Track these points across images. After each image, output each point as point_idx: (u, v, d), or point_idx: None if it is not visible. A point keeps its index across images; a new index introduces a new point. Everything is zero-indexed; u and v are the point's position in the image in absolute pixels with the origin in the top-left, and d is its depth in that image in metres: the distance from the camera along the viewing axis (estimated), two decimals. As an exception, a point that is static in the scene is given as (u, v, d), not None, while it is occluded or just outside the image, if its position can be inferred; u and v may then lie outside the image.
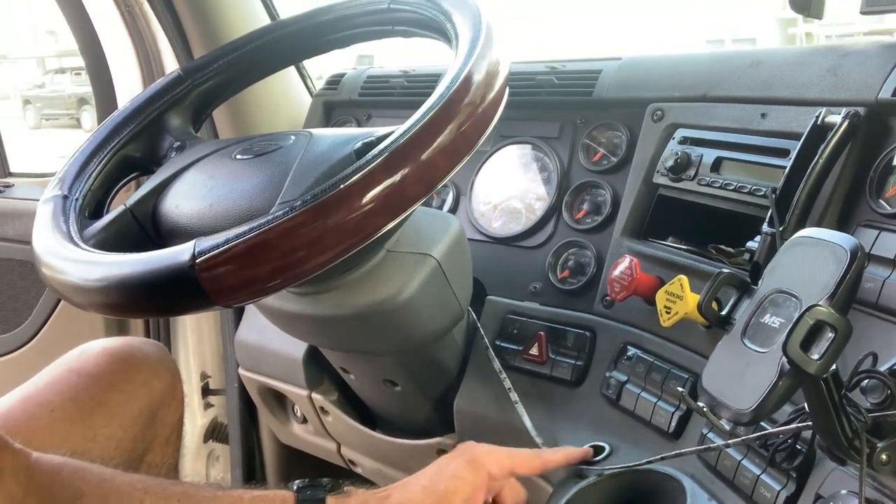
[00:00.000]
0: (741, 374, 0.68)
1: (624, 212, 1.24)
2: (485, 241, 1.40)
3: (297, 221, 0.80)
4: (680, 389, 0.82)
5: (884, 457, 0.68)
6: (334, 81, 1.73)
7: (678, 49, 1.53)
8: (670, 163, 1.16)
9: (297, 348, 1.48)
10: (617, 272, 1.11)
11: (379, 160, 0.85)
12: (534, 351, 1.26)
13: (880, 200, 0.87)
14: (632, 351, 1.14)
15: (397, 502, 0.87)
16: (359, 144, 1.02)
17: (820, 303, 0.62)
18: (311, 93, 1.82)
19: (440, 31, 1.06)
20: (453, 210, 1.46)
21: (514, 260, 1.37)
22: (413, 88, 1.59)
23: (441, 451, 1.37)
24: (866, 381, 0.70)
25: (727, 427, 0.70)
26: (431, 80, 1.54)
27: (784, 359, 0.62)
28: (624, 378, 1.13)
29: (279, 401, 1.68)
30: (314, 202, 0.81)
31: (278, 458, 1.83)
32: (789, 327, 0.62)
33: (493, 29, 0.97)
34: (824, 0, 1.10)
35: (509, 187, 1.42)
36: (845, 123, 0.91)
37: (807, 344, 0.61)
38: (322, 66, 1.81)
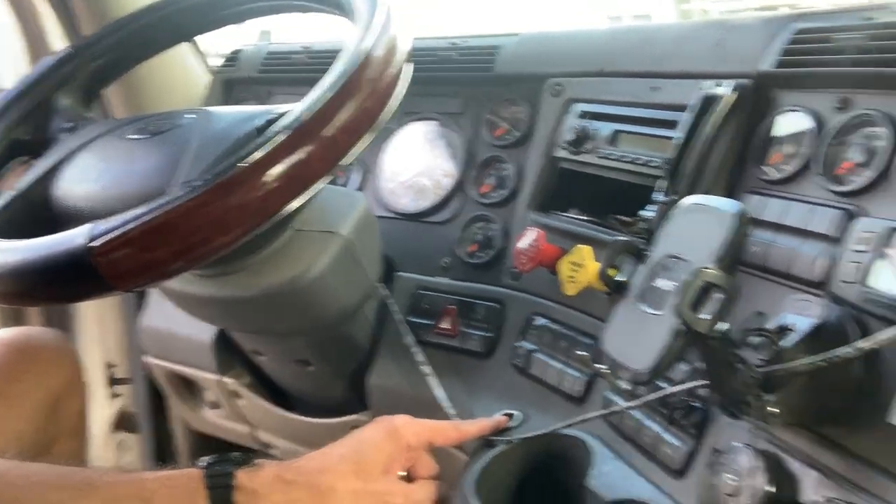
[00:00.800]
0: (638, 336, 0.71)
1: (528, 185, 1.26)
2: (393, 218, 1.41)
3: (200, 201, 0.79)
4: (583, 353, 0.85)
5: (773, 409, 0.72)
6: (233, 58, 1.69)
7: (579, 25, 1.56)
8: (570, 136, 1.19)
9: (205, 332, 1.45)
10: (522, 244, 1.13)
11: (282, 137, 0.84)
12: (445, 325, 1.28)
13: (763, 168, 0.92)
14: (539, 320, 1.17)
15: (313, 469, 0.84)
16: (260, 121, 1.01)
17: (708, 265, 0.65)
18: (209, 70, 1.77)
19: (337, 5, 1.05)
20: (361, 188, 1.46)
21: (422, 236, 1.38)
22: (315, 64, 1.57)
23: (356, 428, 1.38)
24: (755, 338, 0.74)
25: (627, 387, 0.73)
26: (333, 55, 1.51)
27: (677, 319, 0.65)
28: (532, 347, 1.16)
29: (189, 387, 1.65)
30: (216, 181, 0.80)
31: (191, 446, 1.80)
32: (681, 289, 0.65)
33: (391, 4, 0.97)
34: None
35: (416, 164, 1.42)
36: (733, 95, 0.95)
37: (697, 305, 0.65)
38: (219, 42, 1.76)
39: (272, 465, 0.84)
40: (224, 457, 0.83)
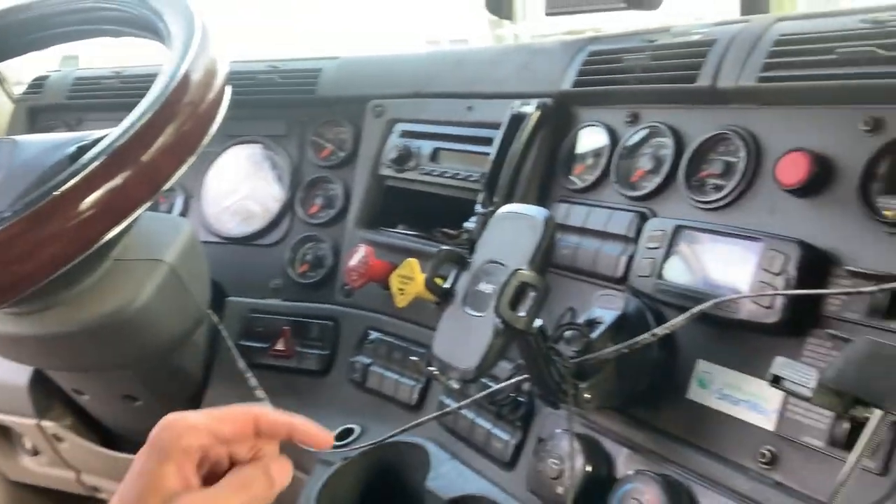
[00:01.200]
0: (465, 337, 0.75)
1: (355, 204, 1.30)
2: (220, 243, 1.39)
3: (11, 233, 0.76)
4: (415, 359, 0.88)
5: (587, 395, 0.79)
6: (38, 85, 1.61)
7: (400, 49, 1.62)
8: (393, 155, 1.24)
9: (19, 374, 1.36)
10: (353, 262, 1.16)
11: (96, 163, 0.82)
12: (280, 346, 1.28)
13: (570, 178, 1.00)
14: (373, 334, 1.20)
15: None
16: (73, 148, 0.98)
17: (523, 267, 0.71)
18: (10, 98, 1.66)
19: (152, 29, 1.04)
20: (183, 213, 1.43)
21: (252, 259, 1.37)
22: (127, 89, 1.52)
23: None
24: (568, 332, 0.81)
25: (457, 386, 0.77)
26: (147, 80, 1.46)
27: (497, 319, 0.70)
28: (368, 361, 1.18)
29: (4, 434, 1.53)
30: (27, 211, 0.77)
31: (10, 499, 1.67)
32: (499, 291, 0.70)
33: (208, 28, 0.97)
34: (513, 4, 1.24)
35: (241, 187, 1.41)
36: (537, 112, 1.03)
37: (515, 304, 0.70)
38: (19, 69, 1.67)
39: None
40: None
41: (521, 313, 0.70)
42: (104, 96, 1.54)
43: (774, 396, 0.70)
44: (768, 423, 0.70)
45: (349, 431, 1.14)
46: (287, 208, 1.37)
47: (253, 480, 0.65)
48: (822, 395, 0.55)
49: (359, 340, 1.22)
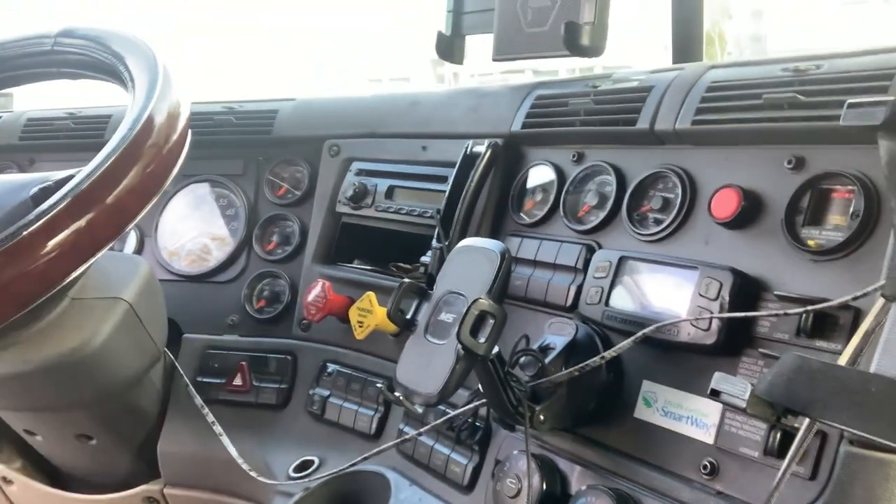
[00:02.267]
0: (427, 364, 0.79)
1: (312, 240, 1.33)
2: (176, 281, 1.41)
3: None
4: (379, 385, 0.92)
5: (542, 417, 0.84)
6: (-12, 125, 1.61)
7: (345, 90, 1.67)
8: (349, 193, 1.28)
9: (-34, 417, 1.34)
10: (311, 296, 1.20)
11: (63, 204, 0.84)
12: (237, 381, 1.30)
13: (521, 214, 1.06)
14: (331, 367, 1.23)
15: None
16: (35, 190, 0.99)
17: (481, 297, 0.76)
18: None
19: (112, 73, 1.07)
20: (138, 252, 1.44)
21: (208, 296, 1.39)
22: (81, 131, 1.54)
23: (148, 499, 1.34)
24: (523, 358, 0.86)
25: (420, 410, 0.81)
26: (101, 121, 1.52)
27: (458, 345, 0.75)
28: (326, 393, 1.21)
29: (-51, 479, 1.50)
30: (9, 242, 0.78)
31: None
32: (460, 319, 0.75)
33: (170, 71, 1.01)
34: (464, 49, 1.31)
35: (197, 225, 1.44)
36: (488, 152, 1.09)
37: (475, 331, 0.75)
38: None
39: None
40: None
41: (482, 340, 0.75)
42: (57, 137, 1.56)
43: (714, 412, 0.76)
44: (708, 436, 0.76)
45: (309, 463, 1.16)
46: (244, 245, 1.40)
47: None
48: (755, 406, 0.61)
49: (317, 373, 1.25)
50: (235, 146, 1.44)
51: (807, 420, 0.64)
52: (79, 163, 1.10)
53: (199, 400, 1.25)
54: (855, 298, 0.66)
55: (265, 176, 1.42)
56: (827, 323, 0.70)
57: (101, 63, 1.08)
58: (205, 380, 1.31)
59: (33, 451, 1.40)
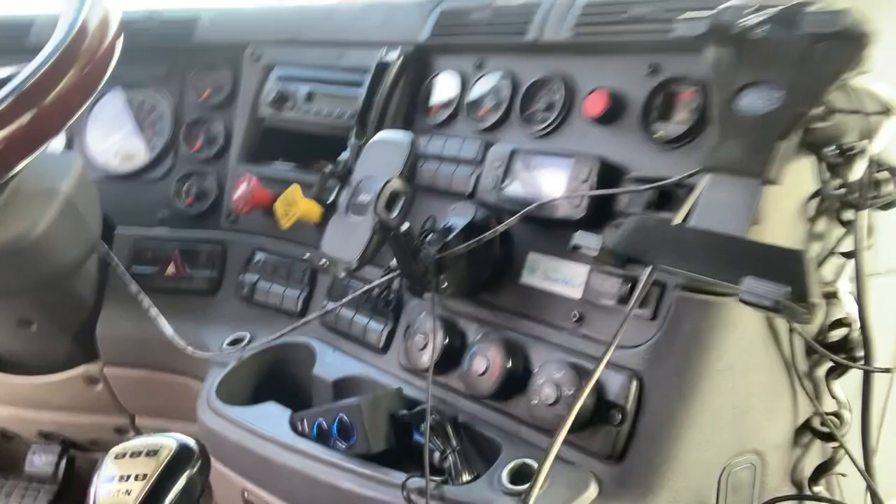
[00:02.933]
0: (348, 237, 0.94)
1: (237, 141, 1.44)
2: (106, 179, 1.49)
3: None
4: (307, 256, 1.04)
5: (445, 283, 1.00)
6: None
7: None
8: (271, 97, 1.39)
9: None
10: (240, 191, 1.31)
11: (9, 101, 0.93)
12: (171, 270, 1.41)
13: (429, 115, 1.20)
14: (259, 255, 1.36)
15: None
16: (-21, 88, 1.06)
17: (393, 178, 0.90)
18: None
19: None
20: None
21: (138, 193, 1.49)
22: (3, 36, 1.57)
23: (88, 378, 1.46)
24: (430, 235, 1.01)
25: (343, 274, 0.96)
26: (23, 26, 1.55)
27: (375, 219, 0.89)
28: (255, 278, 1.35)
29: None
30: None
31: None
32: (376, 197, 0.89)
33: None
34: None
35: (124, 126, 1.52)
36: (399, 59, 1.22)
37: (389, 206, 0.89)
38: None
39: None
40: None
41: (394, 214, 0.90)
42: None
43: (582, 273, 0.94)
44: (577, 293, 0.94)
45: (241, 339, 1.30)
46: (171, 145, 1.49)
47: None
48: (605, 255, 0.78)
49: (245, 261, 1.38)
50: (158, 51, 1.52)
51: (647, 271, 0.82)
52: (3, 64, 1.17)
53: (135, 286, 1.36)
54: (688, 176, 0.83)
55: (189, 80, 1.50)
56: (669, 197, 0.88)
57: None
58: (139, 269, 1.41)
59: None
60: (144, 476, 0.62)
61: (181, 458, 0.64)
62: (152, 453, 0.64)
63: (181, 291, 1.40)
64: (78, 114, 1.02)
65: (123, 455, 0.65)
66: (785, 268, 0.64)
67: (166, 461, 0.63)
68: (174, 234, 1.44)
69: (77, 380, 1.46)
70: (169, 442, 0.65)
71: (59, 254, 1.28)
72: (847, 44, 0.68)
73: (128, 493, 0.61)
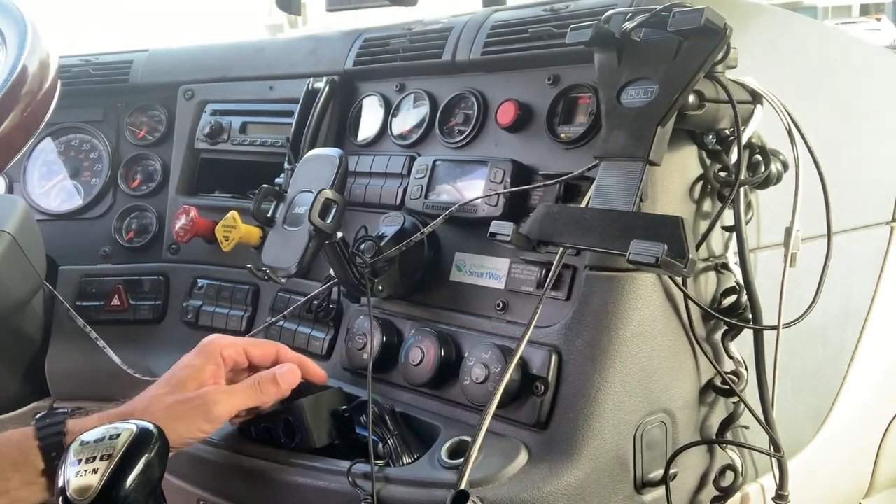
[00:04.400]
0: (286, 247, 1.01)
1: (174, 175, 1.50)
2: (48, 220, 1.53)
3: None
4: (249, 266, 1.10)
5: (380, 287, 1.08)
6: None
7: (207, 39, 1.82)
8: (206, 130, 1.46)
9: None
10: (181, 220, 1.38)
11: None
12: (115, 302, 1.46)
13: (356, 136, 1.29)
14: (202, 282, 1.42)
15: (133, 402, 0.94)
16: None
17: (326, 188, 0.98)
18: None
19: None
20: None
21: (80, 232, 1.53)
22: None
23: (37, 416, 1.48)
24: (363, 244, 1.09)
25: (283, 281, 1.03)
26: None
27: (310, 226, 0.97)
28: (199, 303, 1.40)
29: None
30: None
31: None
32: (310, 206, 0.97)
33: (38, 26, 1.15)
34: (300, 1, 1.51)
35: (62, 169, 1.57)
36: (326, 87, 1.31)
37: (323, 215, 0.97)
38: None
39: (99, 413, 0.92)
40: (53, 412, 0.91)
41: (329, 221, 0.98)
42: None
43: (503, 266, 1.03)
44: (500, 284, 1.03)
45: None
46: (110, 184, 1.54)
47: (264, 384, 0.97)
48: (518, 239, 0.87)
49: (189, 288, 1.43)
50: (94, 95, 1.58)
51: (559, 253, 0.91)
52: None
53: (80, 321, 1.40)
54: (588, 169, 0.94)
55: (125, 121, 1.57)
56: (575, 190, 0.98)
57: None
58: (84, 304, 1.45)
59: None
60: (109, 456, 0.68)
61: (142, 439, 0.70)
62: (114, 436, 0.69)
63: (127, 322, 1.45)
64: (20, 154, 1.07)
65: (87, 442, 0.70)
66: (666, 232, 0.74)
67: (129, 441, 0.69)
68: (117, 268, 1.49)
69: (27, 417, 1.48)
70: (129, 426, 0.71)
71: (4, 293, 1.31)
72: (708, 38, 0.80)
73: (94, 471, 0.67)
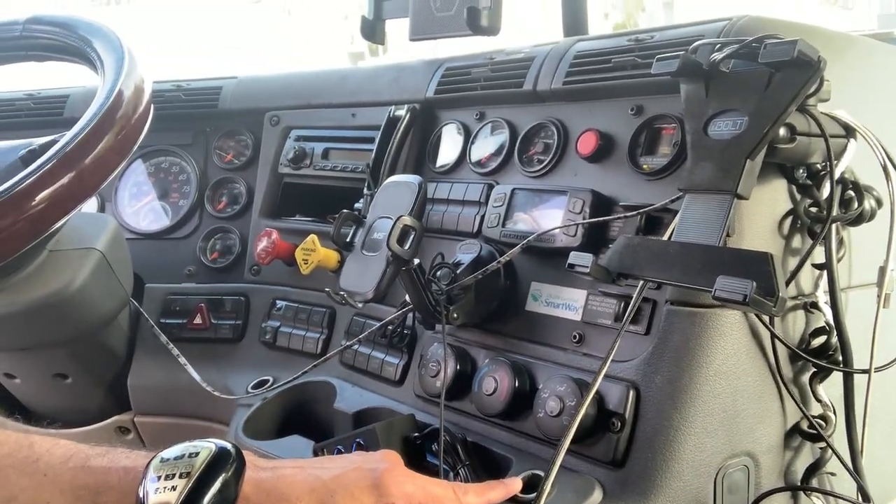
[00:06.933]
0: (363, 273, 1.02)
1: (258, 198, 1.54)
2: (136, 239, 1.59)
3: None
4: (327, 290, 1.12)
5: (455, 315, 1.07)
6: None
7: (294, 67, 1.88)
8: (290, 155, 1.50)
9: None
10: (262, 243, 1.41)
11: (54, 161, 1.03)
12: (197, 321, 1.50)
13: (436, 163, 1.30)
14: (280, 303, 1.45)
15: (282, 477, 0.77)
16: (23, 152, 1.17)
17: (404, 215, 0.99)
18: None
19: (81, 55, 1.25)
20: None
21: (166, 251, 1.59)
22: (41, 109, 1.70)
23: (120, 429, 1.53)
24: (440, 271, 1.09)
25: (360, 306, 1.04)
26: (60, 101, 1.68)
27: (388, 253, 0.98)
28: (277, 324, 1.43)
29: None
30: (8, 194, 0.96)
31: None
32: (389, 232, 0.98)
33: (134, 52, 1.20)
34: (384, 31, 1.54)
35: (153, 190, 1.63)
36: (407, 115, 1.33)
37: (401, 241, 0.98)
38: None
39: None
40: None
41: (406, 247, 0.98)
42: (18, 116, 1.71)
43: (581, 297, 1.01)
44: (577, 315, 1.01)
45: (264, 381, 1.38)
46: (196, 206, 1.60)
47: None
48: (596, 271, 0.86)
49: (268, 309, 1.46)
50: (184, 119, 1.64)
51: (638, 286, 0.89)
52: (45, 136, 1.28)
53: (164, 337, 1.44)
54: (671, 201, 0.92)
55: (213, 145, 1.62)
56: (657, 223, 0.96)
57: (70, 46, 1.26)
58: (167, 321, 1.50)
59: (7, 397, 1.57)
60: (188, 474, 0.69)
61: (220, 458, 0.71)
62: (194, 455, 0.71)
63: (208, 340, 1.49)
64: (114, 174, 1.12)
65: (167, 459, 0.71)
66: (754, 269, 0.72)
67: (207, 460, 0.70)
68: (200, 287, 1.53)
69: (109, 430, 1.53)
70: (208, 444, 0.72)
71: (93, 308, 1.36)
72: (801, 70, 0.77)
73: (173, 489, 0.68)
